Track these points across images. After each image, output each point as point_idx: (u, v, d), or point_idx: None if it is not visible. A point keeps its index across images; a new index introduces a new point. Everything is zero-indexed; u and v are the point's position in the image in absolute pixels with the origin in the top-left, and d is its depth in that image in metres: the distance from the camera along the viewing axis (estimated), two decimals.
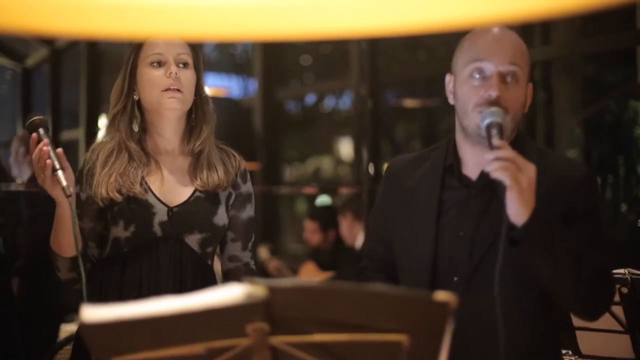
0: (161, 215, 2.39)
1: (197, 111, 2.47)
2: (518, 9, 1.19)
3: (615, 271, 2.66)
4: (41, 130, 2.29)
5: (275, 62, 7.58)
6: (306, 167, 8.73)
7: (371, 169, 6.03)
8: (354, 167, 6.83)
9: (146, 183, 2.42)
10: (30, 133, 2.31)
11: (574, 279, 2.04)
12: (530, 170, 1.98)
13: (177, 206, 2.41)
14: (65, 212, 2.29)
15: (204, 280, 2.40)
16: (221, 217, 2.45)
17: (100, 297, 2.40)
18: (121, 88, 2.45)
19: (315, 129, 8.85)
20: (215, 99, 6.47)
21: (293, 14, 1.21)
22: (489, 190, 2.15)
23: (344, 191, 6.50)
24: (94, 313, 1.30)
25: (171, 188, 2.44)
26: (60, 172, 2.24)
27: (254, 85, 7.82)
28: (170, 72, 2.39)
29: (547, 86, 5.30)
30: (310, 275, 5.96)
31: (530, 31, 4.88)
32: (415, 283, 2.18)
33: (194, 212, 2.41)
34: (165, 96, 2.39)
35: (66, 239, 2.33)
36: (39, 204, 4.46)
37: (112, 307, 1.31)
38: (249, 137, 6.62)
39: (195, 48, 2.48)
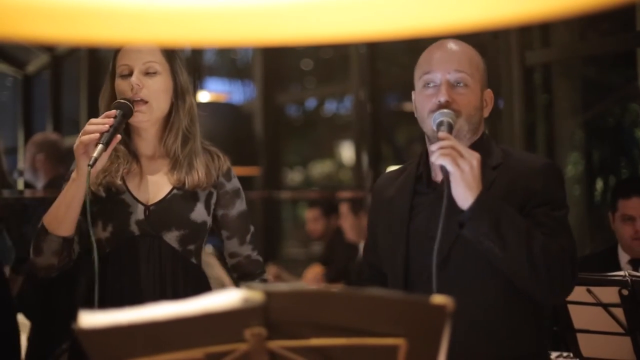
0: (138, 213, 2.42)
1: (175, 114, 2.48)
2: (517, 11, 1.19)
3: (615, 273, 2.67)
4: (119, 112, 2.34)
5: (276, 66, 7.58)
6: (307, 171, 8.74)
7: (371, 173, 6.04)
8: (355, 171, 6.83)
9: (125, 183, 2.45)
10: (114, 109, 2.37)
11: (527, 260, 2.15)
12: (472, 157, 2.14)
13: (153, 204, 2.44)
14: (80, 186, 2.31)
15: (186, 277, 2.43)
16: (199, 214, 2.46)
17: (87, 299, 2.41)
18: (106, 99, 2.49)
19: (316, 133, 8.85)
20: (216, 104, 6.48)
21: (293, 19, 1.21)
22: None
23: (346, 195, 6.51)
24: (91, 318, 1.30)
25: (149, 187, 2.47)
26: (101, 146, 2.28)
27: (254, 90, 7.83)
28: (132, 87, 2.41)
29: (548, 89, 5.31)
30: (312, 272, 5.98)
31: (530, 34, 4.88)
32: (394, 285, 2.36)
33: (170, 209, 2.44)
34: None
35: (70, 215, 2.35)
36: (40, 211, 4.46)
37: (110, 312, 1.31)
38: (249, 142, 6.63)
39: (171, 53, 2.49)
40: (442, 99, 2.27)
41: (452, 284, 2.19)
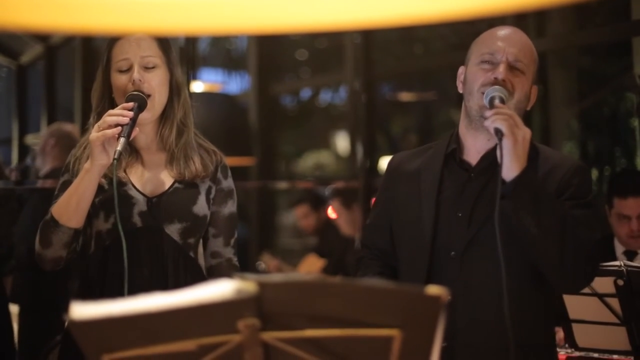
0: (141, 205, 2.42)
1: (170, 106, 2.48)
2: (513, 0, 1.18)
3: (610, 263, 2.67)
4: (136, 104, 2.34)
5: (271, 56, 7.56)
6: (303, 162, 8.73)
7: (367, 163, 6.04)
8: (350, 161, 6.81)
9: (126, 175, 2.44)
10: (128, 101, 2.37)
11: (559, 244, 2.17)
12: (526, 131, 2.16)
13: (156, 196, 2.44)
14: (93, 178, 2.30)
15: (186, 270, 2.43)
16: (201, 207, 2.47)
17: (85, 291, 2.42)
18: (99, 91, 2.48)
19: (311, 124, 8.84)
20: (210, 94, 6.46)
21: (288, 7, 1.20)
22: (487, 174, 2.31)
23: (341, 185, 6.51)
24: (83, 310, 1.29)
25: (150, 180, 2.47)
26: (123, 140, 2.29)
27: (249, 80, 7.80)
28: (134, 81, 2.40)
29: (543, 79, 5.29)
30: (312, 266, 5.98)
31: (525, 23, 4.87)
32: (415, 258, 2.34)
33: (173, 201, 2.44)
34: None
35: (82, 206, 2.34)
36: (38, 200, 4.45)
37: (102, 303, 1.30)
38: (244, 132, 6.61)
39: (166, 44, 2.48)
40: (500, 76, 2.27)
41: (477, 264, 2.24)
